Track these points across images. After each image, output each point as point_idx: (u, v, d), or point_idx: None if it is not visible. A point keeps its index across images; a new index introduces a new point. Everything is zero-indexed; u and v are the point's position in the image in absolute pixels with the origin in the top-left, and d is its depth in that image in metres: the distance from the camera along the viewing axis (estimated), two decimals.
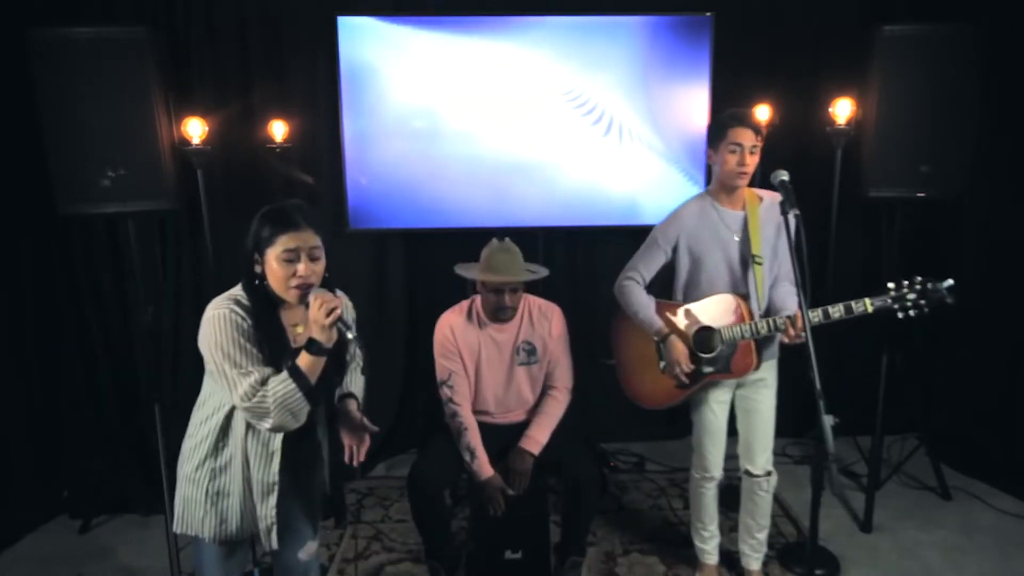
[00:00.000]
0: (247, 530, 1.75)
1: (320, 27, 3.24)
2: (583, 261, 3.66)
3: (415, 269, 3.64)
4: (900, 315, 2.04)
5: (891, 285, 2.05)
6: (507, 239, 2.50)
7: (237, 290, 1.67)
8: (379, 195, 3.32)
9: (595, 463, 2.56)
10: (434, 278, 3.54)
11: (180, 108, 2.95)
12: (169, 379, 3.34)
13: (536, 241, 3.41)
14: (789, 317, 2.14)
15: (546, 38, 3.21)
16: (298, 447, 1.78)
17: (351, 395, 1.90)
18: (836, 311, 2.08)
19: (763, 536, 2.54)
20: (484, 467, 2.44)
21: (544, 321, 2.58)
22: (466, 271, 2.51)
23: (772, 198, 2.27)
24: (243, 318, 1.60)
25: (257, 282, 1.64)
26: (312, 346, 1.58)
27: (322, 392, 1.71)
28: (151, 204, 2.80)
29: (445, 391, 2.53)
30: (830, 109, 2.91)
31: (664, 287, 2.44)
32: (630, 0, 3.26)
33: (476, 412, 2.59)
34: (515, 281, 2.43)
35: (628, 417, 3.73)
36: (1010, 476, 3.26)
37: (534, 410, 2.61)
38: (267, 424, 1.57)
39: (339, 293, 1.84)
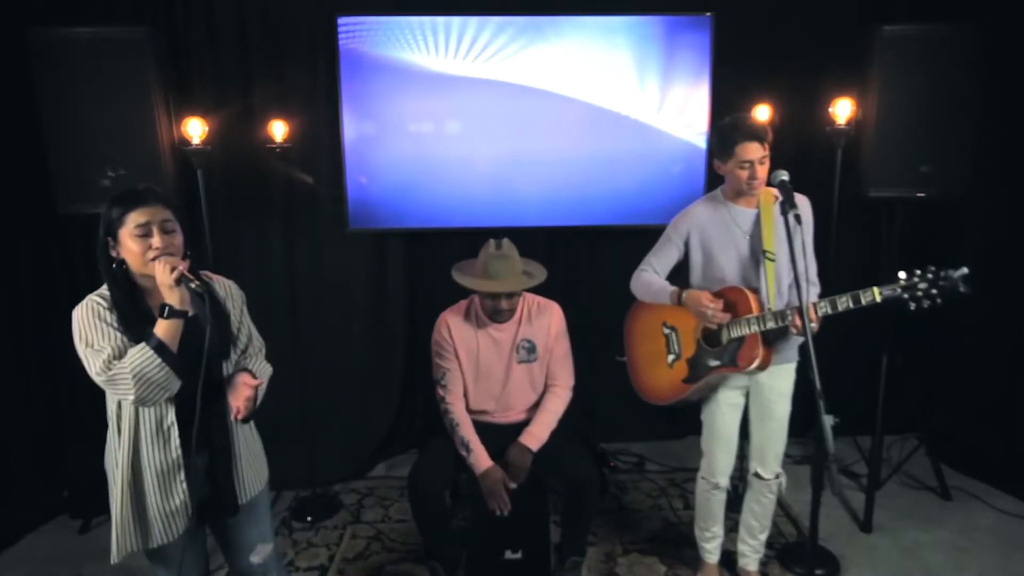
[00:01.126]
0: (172, 518, 1.72)
1: (320, 27, 3.24)
2: (584, 260, 3.65)
3: (415, 269, 3.64)
4: (912, 306, 1.96)
5: (902, 274, 1.99)
6: (505, 240, 2.49)
7: (101, 288, 1.68)
8: (379, 195, 3.32)
9: (595, 463, 2.56)
10: (434, 278, 3.54)
11: (180, 108, 2.95)
12: None
13: (537, 241, 3.41)
14: (797, 308, 2.10)
15: (547, 38, 3.20)
16: (218, 448, 1.78)
17: (245, 369, 1.83)
18: (843, 302, 2.05)
19: (764, 537, 2.54)
20: (482, 459, 2.44)
21: (543, 318, 2.58)
22: (462, 277, 2.49)
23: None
24: (100, 304, 1.63)
25: (115, 266, 1.66)
26: (164, 310, 1.59)
27: (204, 372, 1.64)
28: None
29: (439, 390, 2.54)
30: (830, 109, 2.90)
31: (678, 284, 2.43)
32: (630, 0, 3.26)
33: (476, 412, 2.59)
34: (510, 291, 2.43)
35: (628, 417, 3.73)
36: (1010, 476, 3.25)
37: (534, 408, 2.61)
38: (131, 397, 1.57)
39: (222, 278, 1.85)
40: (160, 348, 1.58)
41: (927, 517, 3.07)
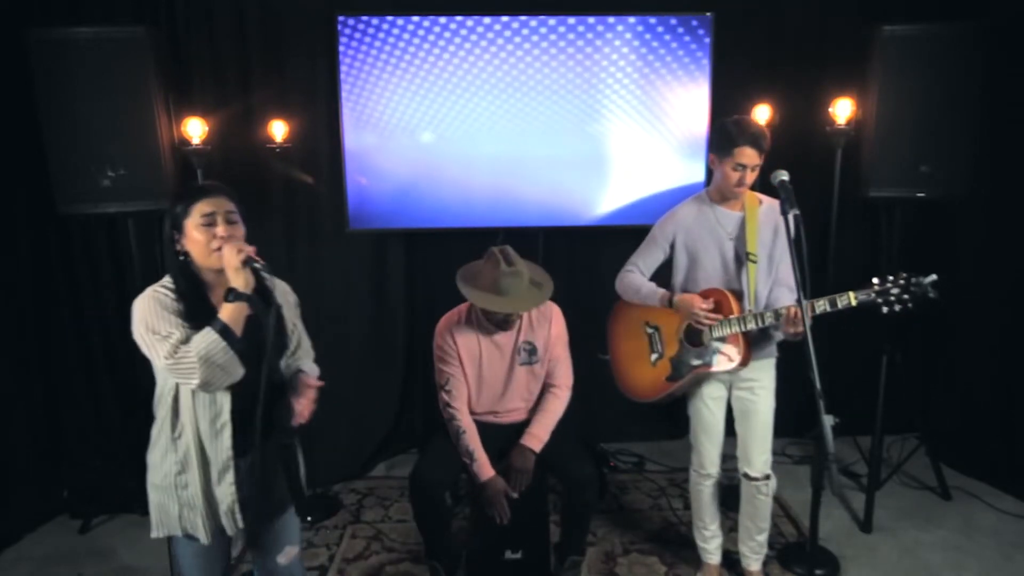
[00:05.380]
0: (215, 517, 1.74)
1: (320, 27, 3.24)
2: (583, 261, 3.65)
3: (415, 269, 3.64)
4: (884, 310, 2.03)
5: (875, 280, 2.06)
6: (512, 253, 2.40)
7: (163, 280, 1.71)
8: (379, 195, 3.32)
9: (595, 463, 2.55)
10: (434, 278, 3.54)
11: (180, 108, 2.95)
12: None
13: (536, 241, 3.41)
14: (776, 311, 2.18)
15: (546, 38, 3.20)
16: (264, 449, 1.77)
17: (300, 370, 1.90)
18: (821, 305, 2.10)
19: (763, 538, 2.54)
20: (485, 469, 2.44)
21: (544, 321, 2.57)
22: (472, 292, 2.39)
23: (772, 203, 2.31)
24: (166, 295, 1.65)
25: (182, 258, 1.68)
26: (230, 294, 1.62)
27: (262, 367, 1.66)
28: (151, 204, 2.81)
29: (443, 396, 2.53)
30: (830, 109, 2.91)
31: (662, 285, 2.47)
32: (630, 0, 3.26)
33: (478, 413, 2.59)
34: (523, 310, 2.42)
35: (628, 417, 3.74)
36: (1010, 476, 3.26)
37: (535, 409, 2.61)
38: (195, 381, 1.57)
39: (277, 280, 1.87)
40: (225, 332, 1.59)
41: (927, 517, 3.07)
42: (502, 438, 2.55)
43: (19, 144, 2.99)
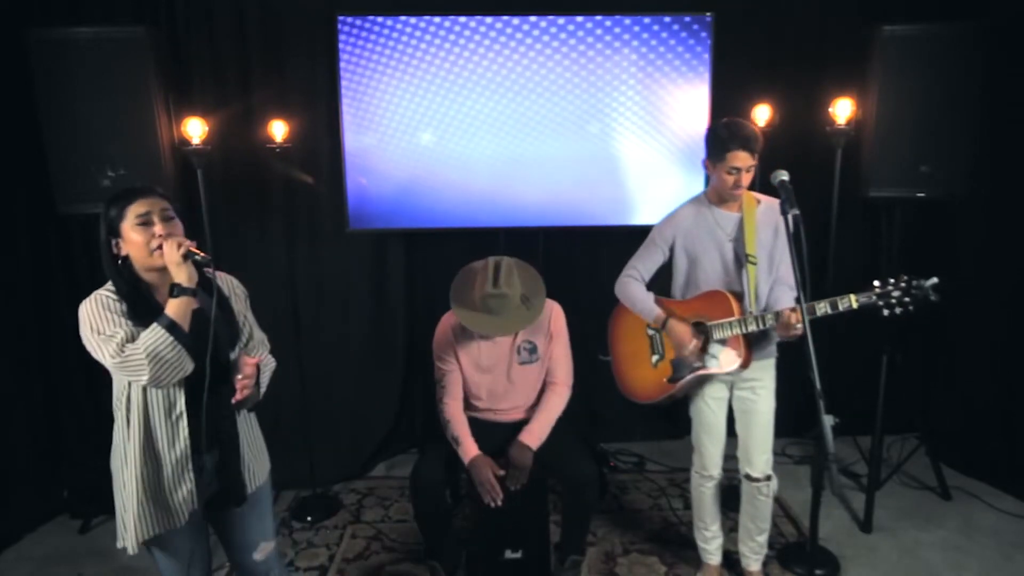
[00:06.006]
0: (179, 511, 1.74)
1: (320, 27, 3.24)
2: (583, 260, 3.65)
3: (415, 269, 3.65)
4: (885, 312, 2.05)
5: (876, 283, 2.07)
6: (504, 266, 2.40)
7: (107, 285, 1.71)
8: (379, 195, 3.32)
9: (595, 463, 2.56)
10: (434, 278, 3.54)
11: (180, 108, 2.95)
12: None
13: (536, 241, 3.41)
14: (777, 313, 2.18)
15: (546, 38, 3.20)
16: (218, 438, 1.78)
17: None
18: (822, 307, 2.11)
19: (763, 539, 2.54)
20: (470, 450, 2.44)
21: (543, 319, 2.57)
22: (461, 311, 2.42)
23: (770, 202, 2.31)
24: (108, 296, 1.66)
25: (120, 262, 1.69)
26: (174, 289, 1.63)
27: (209, 356, 1.66)
28: None
29: (438, 390, 2.56)
30: (830, 109, 2.90)
31: (663, 287, 2.48)
32: (630, 0, 3.26)
33: (479, 411, 2.60)
34: (508, 333, 2.45)
35: (628, 417, 3.74)
36: (1010, 476, 3.26)
37: (535, 407, 2.61)
38: (144, 378, 1.58)
39: (225, 274, 1.87)
40: (172, 327, 1.60)
41: (927, 517, 3.07)
42: (502, 436, 2.54)
43: (19, 144, 2.99)
